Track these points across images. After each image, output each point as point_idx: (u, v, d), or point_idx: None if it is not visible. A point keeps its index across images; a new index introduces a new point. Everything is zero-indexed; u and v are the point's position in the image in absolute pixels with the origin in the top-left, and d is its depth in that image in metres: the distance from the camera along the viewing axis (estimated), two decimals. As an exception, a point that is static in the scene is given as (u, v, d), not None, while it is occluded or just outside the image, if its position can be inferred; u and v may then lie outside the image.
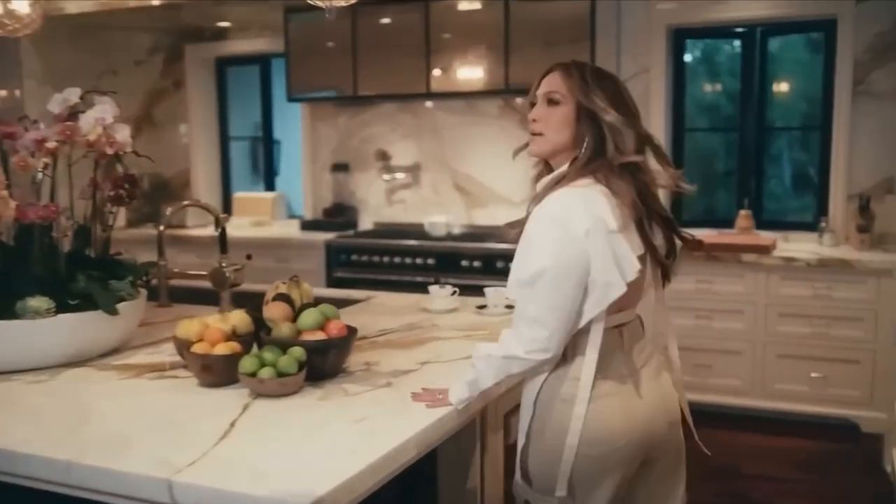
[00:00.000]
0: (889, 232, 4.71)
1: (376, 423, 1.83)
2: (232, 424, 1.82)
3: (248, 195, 6.53)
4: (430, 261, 5.19)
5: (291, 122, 6.37)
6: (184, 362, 2.22)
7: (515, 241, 1.85)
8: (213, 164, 6.79)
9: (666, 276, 1.97)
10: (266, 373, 2.00)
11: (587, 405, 1.79)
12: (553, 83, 1.88)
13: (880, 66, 4.78)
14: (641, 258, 1.81)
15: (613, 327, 1.84)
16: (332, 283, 5.47)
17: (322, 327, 2.20)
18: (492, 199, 5.70)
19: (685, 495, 2.02)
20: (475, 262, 5.07)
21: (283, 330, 2.18)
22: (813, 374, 4.50)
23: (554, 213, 1.76)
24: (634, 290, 1.82)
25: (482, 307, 3.03)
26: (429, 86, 5.32)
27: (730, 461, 4.04)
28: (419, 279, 5.21)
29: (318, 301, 2.33)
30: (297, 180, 6.37)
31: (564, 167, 1.86)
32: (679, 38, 5.33)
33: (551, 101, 1.87)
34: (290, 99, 5.78)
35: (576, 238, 1.73)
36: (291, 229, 6.11)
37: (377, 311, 3.07)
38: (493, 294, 3.00)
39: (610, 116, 1.80)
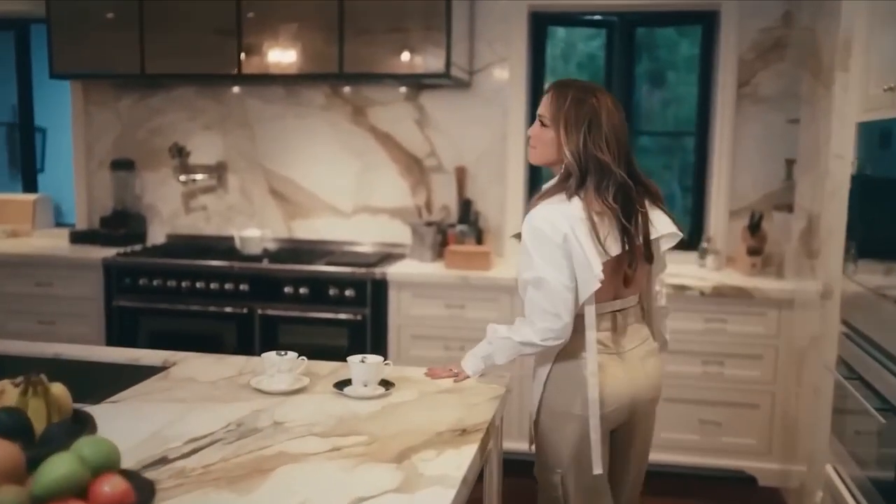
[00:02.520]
0: (776, 252, 4.15)
1: None
2: None
3: (-1, 197, 5.13)
4: (243, 286, 4.10)
5: (60, 107, 5.03)
6: None
7: None
8: (-49, 157, 5.31)
9: (649, 260, 2.23)
10: None
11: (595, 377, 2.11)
12: (544, 106, 2.18)
13: (765, 67, 4.22)
14: (622, 256, 2.12)
15: (609, 312, 2.17)
16: (112, 314, 4.26)
17: (83, 491, 1.16)
18: (316, 207, 4.69)
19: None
20: (301, 289, 4.05)
21: (5, 499, 1.13)
22: (704, 420, 3.86)
23: (536, 225, 2.09)
24: (621, 282, 2.18)
25: (343, 384, 2.06)
26: (239, 66, 4.22)
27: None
28: (228, 310, 4.12)
29: (77, 412, 1.30)
30: (68, 180, 5.04)
31: (552, 182, 2.19)
32: (540, 24, 4.56)
33: (542, 123, 2.18)
34: (54, 75, 4.48)
35: (557, 245, 2.06)
36: (59, 242, 4.80)
37: (183, 393, 2.02)
38: (361, 368, 2.03)
39: (569, 148, 2.11)
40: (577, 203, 2.08)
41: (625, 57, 4.55)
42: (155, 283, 4.18)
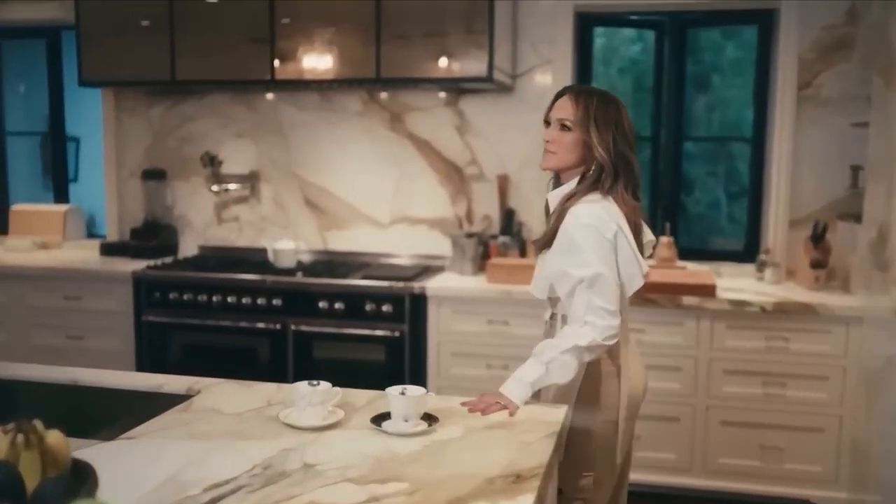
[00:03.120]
0: (840, 266, 3.89)
1: None
2: None
3: (29, 208, 5.01)
4: (276, 301, 3.93)
5: (93, 115, 4.90)
6: None
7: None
8: (-18, 167, 5.21)
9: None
10: None
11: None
12: (565, 110, 2.20)
13: (828, 67, 3.96)
14: None
15: None
16: (142, 329, 4.11)
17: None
18: (352, 218, 4.51)
19: None
20: (336, 304, 3.86)
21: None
22: (765, 446, 3.60)
23: (589, 223, 2.11)
24: None
25: (381, 419, 1.86)
26: (272, 72, 4.05)
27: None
28: (261, 325, 3.95)
29: (77, 463, 1.14)
30: (102, 190, 4.91)
31: (572, 184, 2.22)
32: (585, 25, 4.34)
33: (563, 127, 2.19)
34: (83, 83, 4.35)
35: (608, 240, 2.11)
36: (89, 254, 4.67)
37: (205, 428, 1.82)
38: (401, 401, 1.82)
39: (599, 153, 2.16)
40: (611, 201, 2.15)
41: (674, 59, 4.32)
42: (185, 297, 4.02)
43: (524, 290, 3.78)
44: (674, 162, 4.37)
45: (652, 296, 3.59)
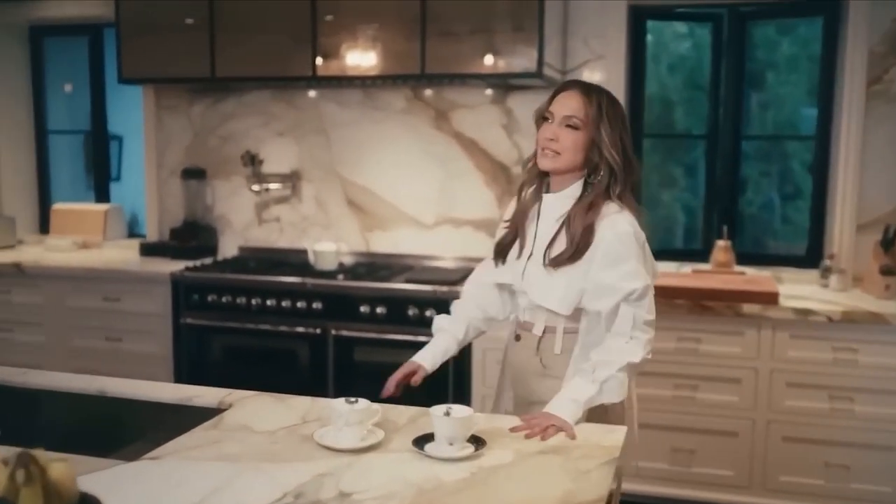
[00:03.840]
0: (911, 273, 3.65)
1: None
2: None
3: (70, 207, 4.95)
4: (317, 304, 3.80)
5: (137, 113, 4.83)
6: None
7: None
8: (24, 166, 5.16)
9: None
10: None
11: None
12: (573, 106, 2.03)
13: (900, 61, 3.73)
14: None
15: None
16: (180, 332, 4.02)
17: None
18: (395, 219, 4.37)
19: None
20: (378, 308, 3.73)
21: None
22: (830, 464, 3.39)
23: (629, 231, 2.01)
24: None
25: (424, 440, 1.71)
26: (314, 68, 3.93)
27: None
28: (300, 329, 3.83)
29: (85, 498, 1.02)
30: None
31: (577, 187, 2.08)
32: (638, 19, 4.15)
33: (571, 126, 2.03)
34: (123, 80, 4.27)
35: (643, 249, 2.06)
36: (128, 254, 4.60)
37: (235, 448, 1.69)
38: (445, 423, 1.67)
39: (611, 155, 2.02)
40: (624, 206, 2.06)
41: (732, 54, 4.11)
42: (224, 299, 3.92)
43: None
44: (731, 162, 4.16)
45: (709, 303, 3.40)
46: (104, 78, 5.03)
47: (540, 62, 3.63)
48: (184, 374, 4.03)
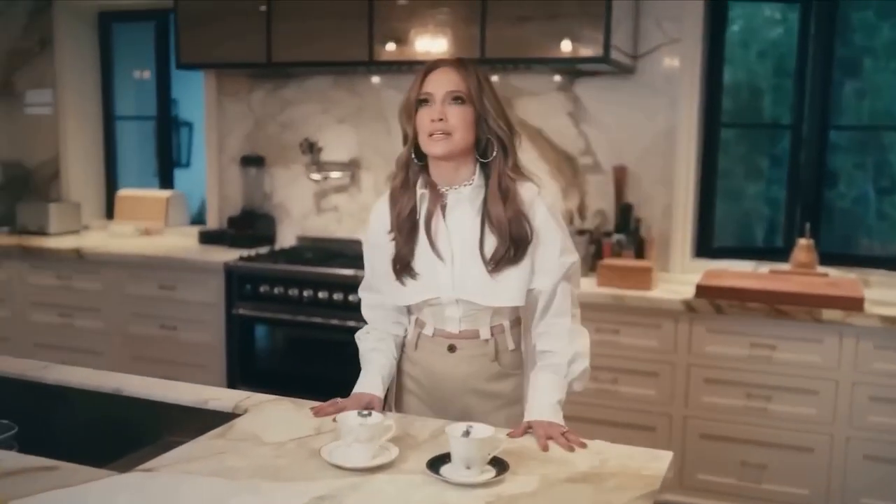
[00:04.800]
0: None
1: None
2: None
3: (133, 193, 4.95)
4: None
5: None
6: None
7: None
8: (92, 152, 5.18)
9: None
10: None
11: None
12: (452, 81, 1.85)
13: None
14: None
15: None
16: (232, 323, 3.94)
17: None
18: (456, 210, 4.20)
19: None
20: (431, 304, 3.57)
21: None
22: (919, 487, 3.10)
23: (554, 203, 2.01)
24: None
25: (439, 462, 1.54)
26: (371, 53, 3.78)
27: None
28: (351, 324, 3.69)
29: None
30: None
31: (472, 171, 1.90)
32: (719, 1, 3.87)
33: (458, 100, 1.84)
34: (180, 66, 4.21)
35: None
36: (187, 242, 4.56)
37: (237, 461, 1.55)
38: (463, 444, 1.50)
39: (500, 127, 1.86)
40: None
41: (821, 40, 3.80)
42: (276, 290, 3.82)
43: (639, 296, 3.41)
44: (817, 154, 3.86)
45: (786, 307, 3.14)
46: (170, 64, 5.00)
47: (607, 46, 3.41)
48: (235, 366, 3.96)
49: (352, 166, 4.37)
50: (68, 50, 4.98)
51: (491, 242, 1.87)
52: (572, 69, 3.83)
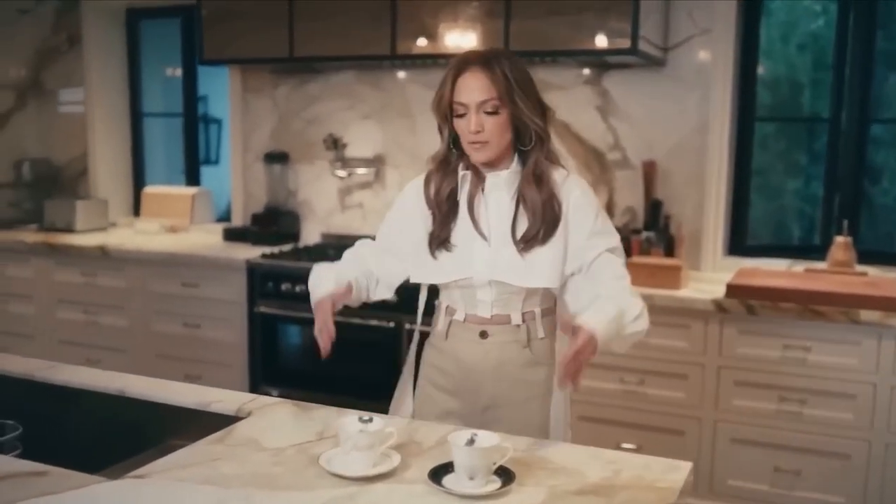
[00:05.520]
0: None
1: None
2: None
3: (160, 190, 4.94)
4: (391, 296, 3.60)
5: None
6: None
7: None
8: (120, 149, 5.18)
9: None
10: None
11: None
12: (482, 88, 1.86)
13: None
14: None
15: None
16: (255, 321, 3.91)
17: None
18: (482, 207, 4.11)
19: None
20: (454, 303, 3.49)
21: None
22: (961, 497, 2.96)
23: (590, 190, 2.00)
24: None
25: (442, 472, 1.47)
26: (393, 46, 3.71)
27: None
28: (373, 322, 3.65)
29: None
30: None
31: (515, 161, 1.93)
32: (753, -11, 3.75)
33: (490, 112, 1.86)
34: (204, 61, 4.18)
35: None
36: (212, 239, 4.53)
37: (232, 468, 1.49)
38: (466, 454, 1.43)
39: (536, 124, 1.89)
40: None
41: (860, 32, 3.65)
42: (297, 288, 3.77)
43: (668, 296, 3.30)
44: (856, 148, 3.72)
45: (821, 308, 3.01)
46: (195, 60, 4.97)
47: (634, 37, 3.30)
48: (258, 365, 3.92)
49: (376, 163, 4.31)
50: (96, 47, 4.98)
51: (523, 224, 1.91)
52: (600, 62, 3.73)
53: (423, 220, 1.99)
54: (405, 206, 2.06)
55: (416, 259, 1.99)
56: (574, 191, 1.93)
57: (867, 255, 3.53)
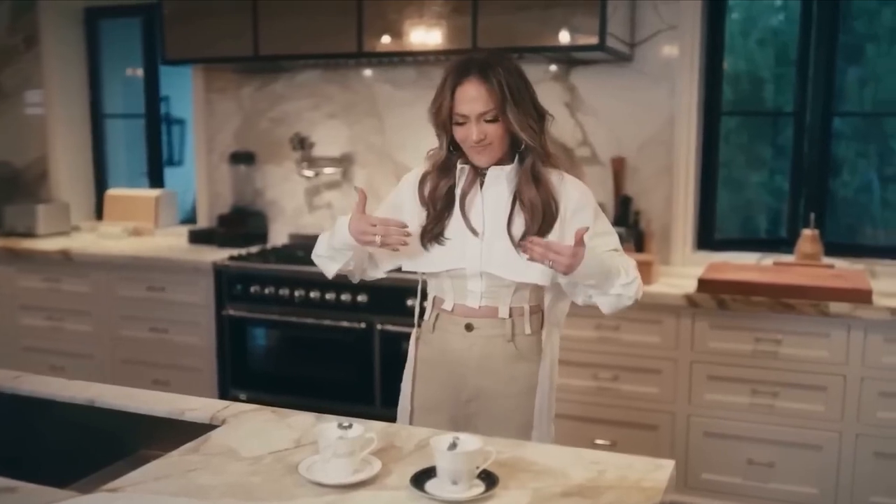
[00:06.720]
0: None
1: None
2: None
3: (123, 193, 4.85)
4: (362, 297, 3.58)
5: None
6: None
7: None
8: (81, 150, 5.08)
9: None
10: None
11: None
12: (481, 99, 1.90)
13: None
14: None
15: None
16: (223, 324, 3.85)
17: None
18: (451, 205, 4.09)
19: None
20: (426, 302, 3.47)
21: None
22: (930, 484, 3.00)
23: (587, 190, 2.06)
24: None
25: (424, 477, 1.45)
26: (360, 44, 3.68)
27: None
28: (345, 324, 3.61)
29: None
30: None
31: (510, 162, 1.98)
32: (717, -17, 3.77)
33: (490, 120, 1.92)
34: (165, 61, 4.11)
35: None
36: (177, 241, 4.46)
37: (208, 479, 1.45)
38: (448, 458, 1.41)
39: (530, 127, 1.94)
40: None
41: (824, 27, 3.68)
42: (266, 290, 3.73)
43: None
44: (821, 142, 3.75)
45: (791, 301, 3.03)
46: (157, 60, 4.89)
47: (602, 33, 3.30)
48: (227, 369, 3.87)
49: (344, 162, 4.27)
50: (55, 48, 4.88)
51: (519, 222, 1.95)
52: (568, 58, 3.72)
53: (417, 216, 2.03)
54: (399, 201, 2.10)
55: (409, 249, 2.00)
56: (573, 192, 1.98)
57: (832, 247, 3.57)
